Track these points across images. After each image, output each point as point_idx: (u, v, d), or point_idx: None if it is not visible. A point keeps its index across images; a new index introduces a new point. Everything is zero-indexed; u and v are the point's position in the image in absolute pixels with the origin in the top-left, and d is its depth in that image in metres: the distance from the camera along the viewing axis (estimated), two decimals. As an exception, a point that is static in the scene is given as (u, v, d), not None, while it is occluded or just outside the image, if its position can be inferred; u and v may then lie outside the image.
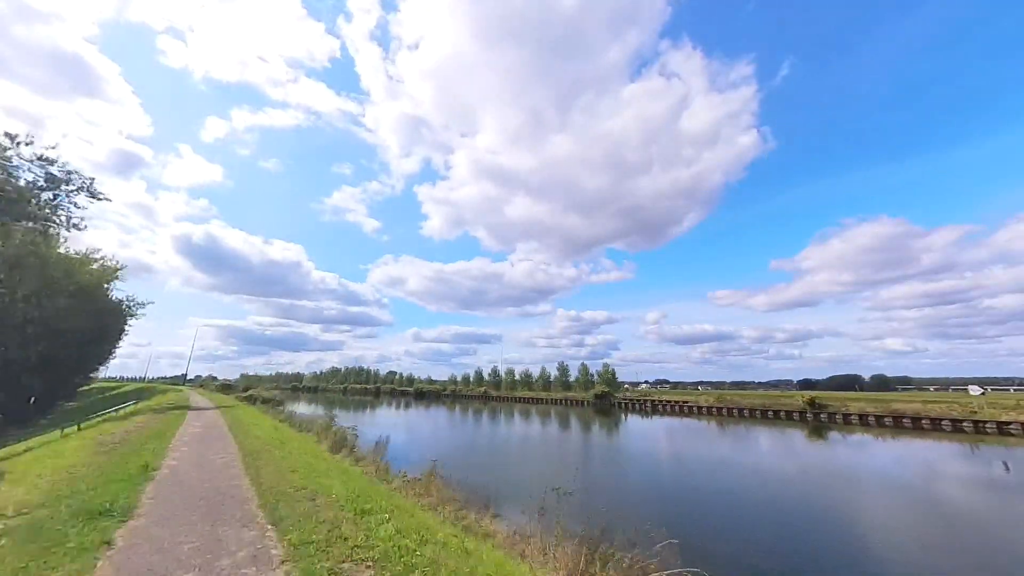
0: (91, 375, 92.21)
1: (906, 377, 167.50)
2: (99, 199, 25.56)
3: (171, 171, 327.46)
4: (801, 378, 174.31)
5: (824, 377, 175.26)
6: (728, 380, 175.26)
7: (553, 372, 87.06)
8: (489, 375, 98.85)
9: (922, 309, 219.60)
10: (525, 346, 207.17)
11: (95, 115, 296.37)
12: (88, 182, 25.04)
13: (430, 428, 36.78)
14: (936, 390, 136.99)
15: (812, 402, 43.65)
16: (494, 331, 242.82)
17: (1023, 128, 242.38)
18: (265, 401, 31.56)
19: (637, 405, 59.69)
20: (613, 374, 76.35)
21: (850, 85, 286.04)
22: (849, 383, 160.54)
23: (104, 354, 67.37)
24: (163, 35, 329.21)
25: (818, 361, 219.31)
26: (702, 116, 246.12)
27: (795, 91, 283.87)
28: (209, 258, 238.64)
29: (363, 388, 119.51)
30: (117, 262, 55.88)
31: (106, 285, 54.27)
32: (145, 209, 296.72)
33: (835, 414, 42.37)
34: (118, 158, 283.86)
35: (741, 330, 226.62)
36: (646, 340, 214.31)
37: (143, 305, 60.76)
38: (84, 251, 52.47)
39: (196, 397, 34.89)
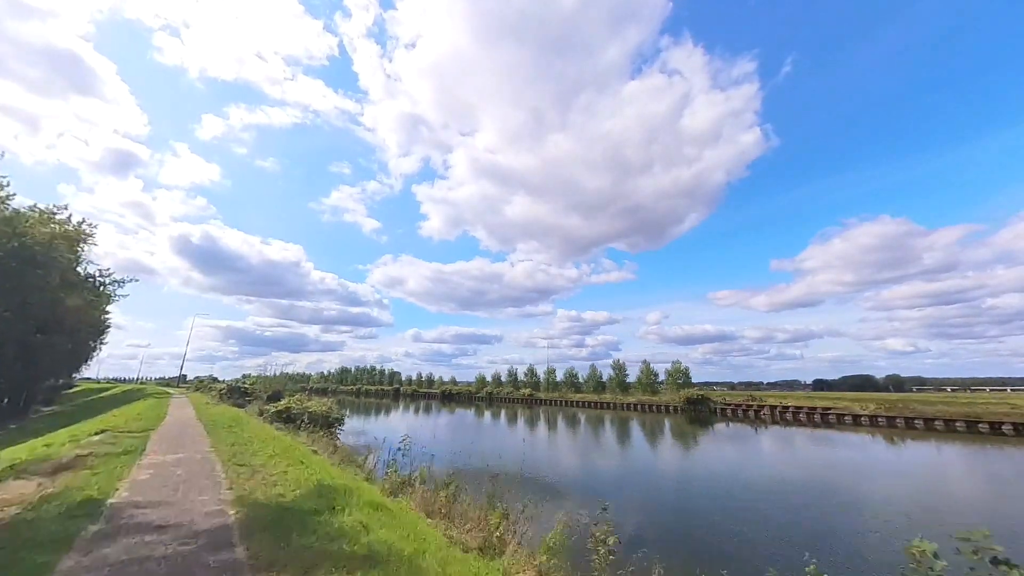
0: (73, 374, 74.32)
1: (920, 377, 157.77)
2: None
3: (168, 170, 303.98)
4: (799, 378, 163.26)
5: (825, 378, 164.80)
6: (734, 381, 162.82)
7: (606, 371, 71.83)
8: (526, 374, 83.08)
9: (924, 309, 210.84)
10: (525, 347, 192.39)
11: (91, 114, 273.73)
12: None
13: (577, 458, 21.25)
14: (953, 390, 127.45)
15: (1063, 413, 29.49)
16: (494, 331, 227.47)
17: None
18: (324, 424, 15.63)
19: (750, 413, 44.96)
20: (687, 373, 61.64)
21: (853, 83, 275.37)
22: (862, 384, 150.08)
23: (81, 348, 49.68)
24: (159, 32, 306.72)
25: (819, 362, 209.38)
26: (703, 114, 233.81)
27: (798, 89, 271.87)
28: (208, 258, 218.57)
29: (379, 390, 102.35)
30: (85, 221, 39.00)
31: (71, 255, 37.56)
32: (142, 208, 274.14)
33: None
34: (115, 157, 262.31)
35: (742, 330, 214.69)
36: (647, 341, 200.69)
37: (122, 283, 43.59)
38: (42, 208, 35.71)
39: (183, 411, 18.69)
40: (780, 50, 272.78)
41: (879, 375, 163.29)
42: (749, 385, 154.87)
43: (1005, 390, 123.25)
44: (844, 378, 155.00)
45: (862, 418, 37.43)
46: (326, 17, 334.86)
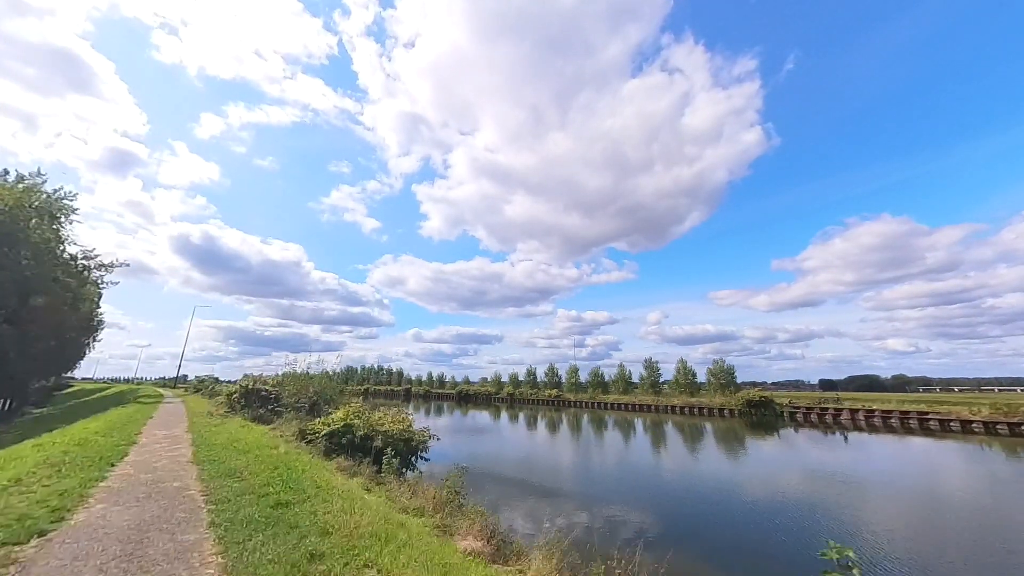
0: (63, 373, 66.48)
1: (925, 378, 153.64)
2: None
3: (167, 169, 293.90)
4: (801, 379, 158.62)
5: (827, 378, 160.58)
6: (737, 381, 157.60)
7: (638, 371, 65.83)
8: (546, 374, 76.80)
9: (925, 309, 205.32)
10: (526, 347, 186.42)
11: (89, 112, 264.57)
12: None
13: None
14: (960, 391, 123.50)
15: None
16: (495, 331, 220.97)
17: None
18: (408, 452, 9.31)
19: (826, 418, 39.14)
20: (731, 372, 55.91)
21: (855, 81, 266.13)
22: (869, 384, 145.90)
23: (69, 345, 42.33)
24: (157, 31, 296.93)
25: (820, 362, 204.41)
26: (705, 113, 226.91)
27: (800, 87, 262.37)
28: (207, 258, 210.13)
29: (388, 390, 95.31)
30: (64, 190, 32.07)
31: (48, 232, 30.85)
32: (141, 208, 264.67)
33: None
34: (113, 156, 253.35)
35: (743, 330, 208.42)
36: (647, 341, 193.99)
37: (110, 268, 36.54)
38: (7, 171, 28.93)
39: (169, 432, 11.91)
40: (782, 48, 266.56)
41: (880, 375, 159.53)
42: (754, 386, 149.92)
43: (1015, 391, 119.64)
44: (850, 378, 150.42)
45: (974, 424, 31.70)
46: (325, 15, 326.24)
